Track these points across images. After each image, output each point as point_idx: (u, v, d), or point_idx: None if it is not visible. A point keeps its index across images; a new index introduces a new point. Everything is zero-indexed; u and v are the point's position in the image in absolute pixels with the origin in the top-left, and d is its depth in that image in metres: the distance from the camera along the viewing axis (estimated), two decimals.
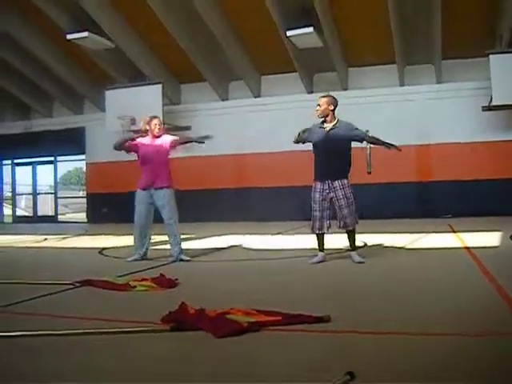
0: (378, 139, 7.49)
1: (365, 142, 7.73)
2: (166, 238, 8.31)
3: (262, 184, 17.68)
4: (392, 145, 7.44)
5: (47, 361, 3.25)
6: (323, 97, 7.48)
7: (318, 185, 7.30)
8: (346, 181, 7.31)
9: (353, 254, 7.38)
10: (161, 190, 8.03)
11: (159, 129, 8.19)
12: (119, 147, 8.19)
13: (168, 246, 8.26)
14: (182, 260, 7.93)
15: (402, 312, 4.26)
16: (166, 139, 8.22)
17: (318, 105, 7.37)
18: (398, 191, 16.37)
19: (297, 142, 7.53)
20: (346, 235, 7.46)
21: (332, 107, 7.37)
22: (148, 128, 8.18)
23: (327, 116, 7.36)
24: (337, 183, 7.24)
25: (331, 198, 7.25)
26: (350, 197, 7.27)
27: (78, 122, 20.39)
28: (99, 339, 3.68)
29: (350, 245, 7.45)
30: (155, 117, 8.37)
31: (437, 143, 16.54)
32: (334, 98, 7.46)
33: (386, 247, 8.90)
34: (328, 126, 7.35)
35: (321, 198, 7.26)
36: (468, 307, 4.36)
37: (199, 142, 8.50)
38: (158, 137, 8.19)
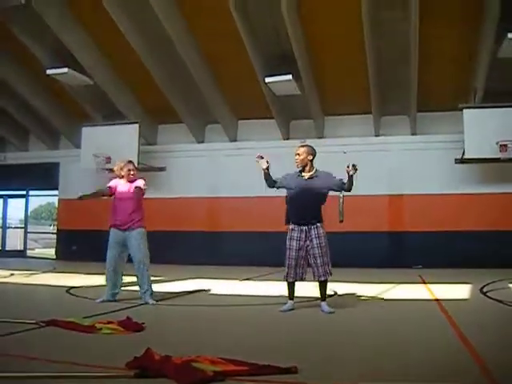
0: (350, 181, 7.40)
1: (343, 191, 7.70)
2: (135, 279, 8.22)
3: (234, 228, 17.61)
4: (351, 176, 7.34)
5: None
6: (302, 146, 7.52)
7: (295, 233, 7.28)
8: (321, 230, 7.29)
9: (323, 304, 7.33)
10: (133, 230, 8.02)
11: (133, 175, 8.28)
12: (95, 197, 8.32)
13: (137, 288, 8.18)
14: (147, 303, 7.84)
15: (370, 364, 4.22)
16: (139, 183, 8.25)
17: (298, 154, 7.41)
18: (370, 240, 16.40)
19: (273, 185, 7.55)
20: (317, 284, 7.43)
21: (311, 157, 7.42)
22: (122, 174, 8.26)
23: (306, 165, 7.42)
24: (313, 232, 7.24)
25: (307, 247, 7.24)
26: (324, 247, 7.25)
27: (52, 157, 20.23)
28: (61, 383, 3.60)
29: (321, 295, 7.41)
30: (129, 162, 8.40)
31: (409, 194, 16.67)
32: (312, 147, 7.52)
33: (357, 297, 8.86)
34: (306, 175, 7.40)
35: (297, 247, 7.24)
36: (437, 362, 4.34)
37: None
38: (132, 180, 8.25)
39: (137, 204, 8.19)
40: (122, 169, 8.29)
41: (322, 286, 7.37)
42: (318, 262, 7.19)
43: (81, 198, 8.25)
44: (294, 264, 7.25)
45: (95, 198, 8.69)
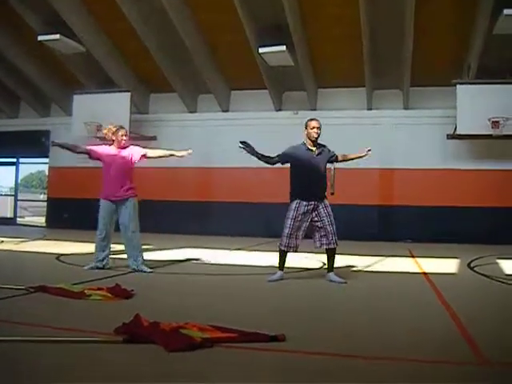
0: (346, 156, 7.80)
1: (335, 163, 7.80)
2: (123, 247, 8.22)
3: (225, 199, 17.61)
4: (360, 156, 7.80)
5: None
6: (315, 119, 7.49)
7: (302, 205, 7.29)
8: (326, 201, 7.41)
9: (331, 275, 7.41)
10: (126, 200, 7.98)
11: (126, 140, 8.15)
12: (70, 150, 8.13)
13: (126, 256, 8.18)
14: (142, 271, 7.86)
15: (355, 338, 4.26)
16: (135, 151, 8.17)
17: (318, 128, 7.36)
18: (360, 213, 16.44)
19: (275, 161, 7.45)
20: (326, 255, 7.51)
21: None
22: (114, 138, 8.12)
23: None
24: (320, 203, 7.31)
25: (312, 218, 7.28)
26: (332, 215, 7.34)
27: (43, 124, 20.09)
28: (50, 348, 3.62)
29: (329, 266, 7.47)
30: (122, 127, 8.25)
31: (400, 168, 16.70)
32: None
33: (346, 269, 8.89)
34: (315, 150, 7.41)
35: (300, 217, 7.27)
36: (423, 334, 4.39)
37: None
38: (124, 147, 8.15)
39: (128, 172, 8.11)
40: (113, 133, 8.09)
41: (332, 256, 7.44)
42: (329, 229, 7.26)
43: (53, 144, 8.15)
44: (294, 234, 7.29)
45: (69, 151, 8.19)
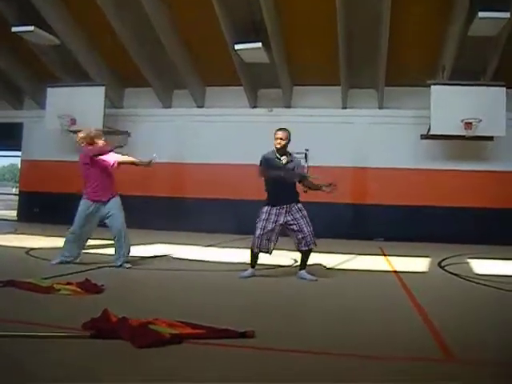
0: (314, 184, 7.77)
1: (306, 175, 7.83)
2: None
3: (198, 195, 17.53)
4: (323, 185, 7.65)
5: None
6: (282, 130, 7.56)
7: (274, 209, 7.36)
8: (300, 205, 7.49)
9: (303, 272, 7.49)
10: (109, 201, 7.98)
11: (83, 143, 8.20)
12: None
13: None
14: (122, 266, 7.83)
15: (325, 336, 4.28)
16: (111, 157, 8.19)
17: (281, 138, 7.45)
18: (333, 211, 16.44)
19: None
20: (300, 254, 7.56)
21: (289, 142, 7.54)
22: (91, 142, 8.20)
23: (285, 149, 7.50)
24: (293, 207, 7.39)
25: (287, 222, 7.33)
26: (307, 217, 7.42)
27: (16, 117, 19.84)
28: (16, 342, 3.59)
29: (302, 263, 7.54)
30: (101, 132, 8.50)
31: (374, 167, 16.76)
32: (289, 132, 7.60)
33: (317, 267, 8.92)
34: (284, 159, 7.52)
35: (272, 220, 7.32)
36: (392, 330, 4.42)
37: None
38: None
39: (109, 174, 8.18)
40: (92, 138, 8.20)
41: (307, 255, 7.51)
42: (306, 230, 7.34)
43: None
44: (266, 236, 7.32)
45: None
